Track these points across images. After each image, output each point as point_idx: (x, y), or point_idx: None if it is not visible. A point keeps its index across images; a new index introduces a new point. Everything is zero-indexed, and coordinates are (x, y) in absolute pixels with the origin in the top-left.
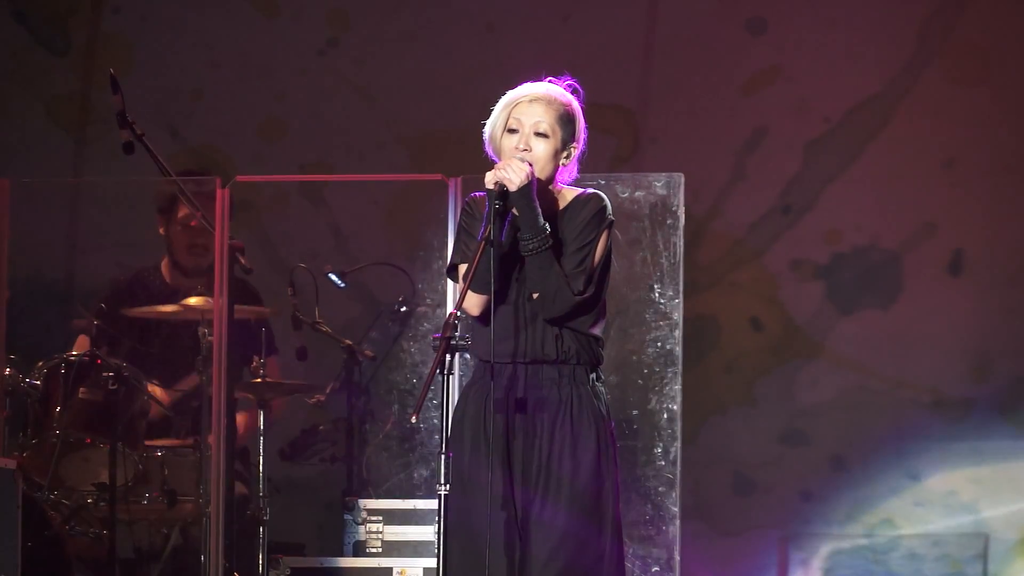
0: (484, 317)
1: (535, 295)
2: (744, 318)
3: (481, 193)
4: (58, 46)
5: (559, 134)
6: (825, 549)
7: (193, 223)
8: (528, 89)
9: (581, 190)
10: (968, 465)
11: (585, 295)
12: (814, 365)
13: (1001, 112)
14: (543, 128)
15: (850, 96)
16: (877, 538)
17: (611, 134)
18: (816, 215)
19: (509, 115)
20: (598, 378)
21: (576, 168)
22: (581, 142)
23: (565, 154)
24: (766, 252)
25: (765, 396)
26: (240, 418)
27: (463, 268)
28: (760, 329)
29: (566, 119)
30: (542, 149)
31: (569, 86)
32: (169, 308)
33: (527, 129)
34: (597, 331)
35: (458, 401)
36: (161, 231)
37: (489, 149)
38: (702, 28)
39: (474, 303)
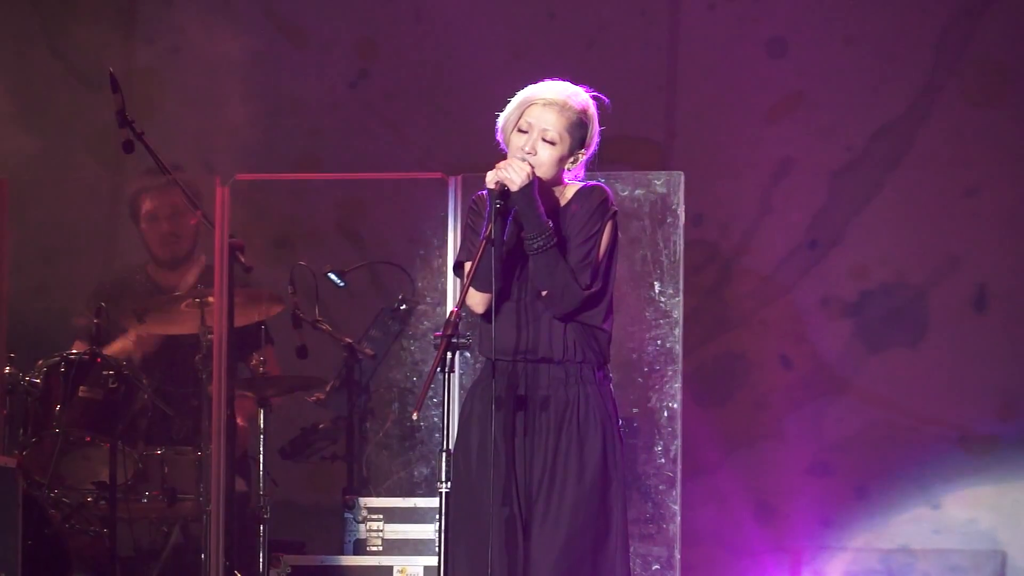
0: (489, 315)
1: (543, 293)
2: (774, 356)
3: (486, 191)
4: (94, 80)
5: (567, 141)
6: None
7: (165, 227)
8: (545, 92)
9: (583, 183)
10: (992, 500)
11: (592, 288)
12: (842, 402)
13: (1021, 131)
14: (551, 135)
15: (871, 121)
16: (894, 563)
17: (641, 169)
18: (842, 249)
19: (522, 114)
20: (605, 376)
21: (583, 171)
22: (592, 147)
23: (572, 160)
24: (794, 289)
25: (793, 432)
26: (241, 423)
27: (468, 266)
28: (790, 367)
29: (577, 125)
30: (546, 155)
31: (594, 99)
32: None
33: (535, 133)
34: (607, 325)
35: (464, 400)
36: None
37: (500, 138)
38: (723, 52)
39: (478, 301)
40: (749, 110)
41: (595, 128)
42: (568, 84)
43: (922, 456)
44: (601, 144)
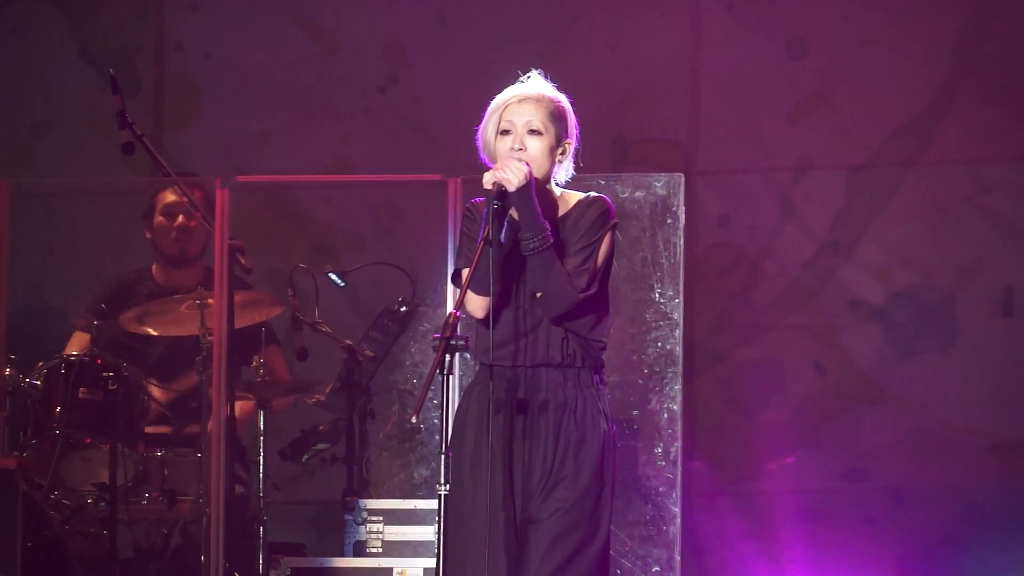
0: (488, 320)
1: (538, 294)
2: (807, 361)
3: (481, 199)
4: (127, 87)
5: (552, 130)
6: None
7: (180, 220)
8: (516, 90)
9: (585, 194)
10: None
11: (588, 292)
12: (877, 410)
13: None
14: (536, 125)
15: (890, 121)
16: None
17: (664, 170)
18: (865, 250)
19: (500, 118)
20: (602, 381)
21: (572, 167)
22: (575, 138)
23: (560, 150)
24: (821, 292)
25: (829, 439)
26: (239, 408)
27: (467, 273)
28: (824, 373)
29: (557, 115)
30: (537, 147)
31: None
32: (166, 327)
33: (520, 129)
34: (598, 335)
35: (460, 401)
36: (148, 235)
37: (483, 155)
38: (744, 54)
39: (478, 306)
40: (770, 111)
41: (572, 118)
42: (536, 82)
43: (956, 465)
44: (625, 146)
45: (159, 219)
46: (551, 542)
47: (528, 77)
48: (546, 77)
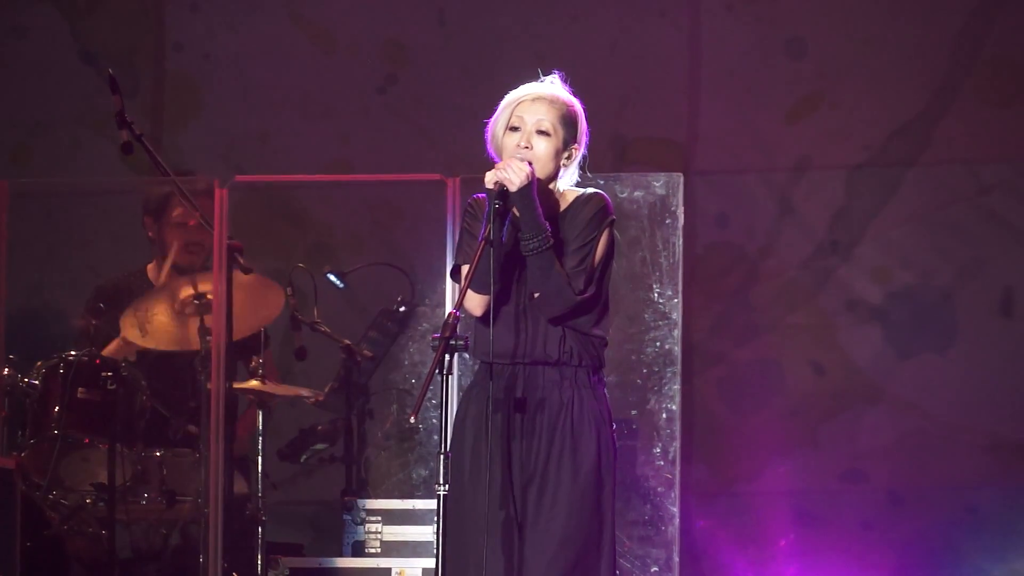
0: (487, 317)
1: (536, 295)
2: (805, 361)
3: (482, 194)
4: (127, 87)
5: (561, 133)
6: None
7: (191, 222)
8: (531, 88)
9: (582, 190)
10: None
11: (586, 294)
12: (876, 411)
13: None
14: (545, 126)
15: (889, 120)
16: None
17: (664, 169)
18: (863, 251)
19: (511, 113)
20: (600, 381)
21: (577, 172)
22: (583, 145)
23: (566, 155)
24: (820, 292)
25: (827, 440)
26: (240, 425)
27: (466, 269)
28: (822, 373)
29: (568, 119)
30: (543, 148)
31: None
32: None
33: (529, 127)
34: (600, 331)
35: (460, 402)
36: (150, 234)
37: (490, 149)
38: (743, 53)
39: (476, 303)
40: (769, 110)
41: (584, 124)
42: (553, 84)
43: (955, 465)
44: (624, 145)
45: (172, 227)
46: (556, 549)
47: (547, 79)
48: (565, 82)
